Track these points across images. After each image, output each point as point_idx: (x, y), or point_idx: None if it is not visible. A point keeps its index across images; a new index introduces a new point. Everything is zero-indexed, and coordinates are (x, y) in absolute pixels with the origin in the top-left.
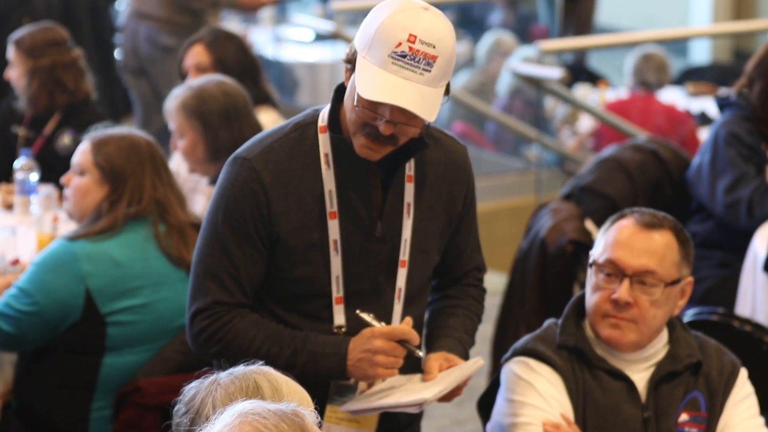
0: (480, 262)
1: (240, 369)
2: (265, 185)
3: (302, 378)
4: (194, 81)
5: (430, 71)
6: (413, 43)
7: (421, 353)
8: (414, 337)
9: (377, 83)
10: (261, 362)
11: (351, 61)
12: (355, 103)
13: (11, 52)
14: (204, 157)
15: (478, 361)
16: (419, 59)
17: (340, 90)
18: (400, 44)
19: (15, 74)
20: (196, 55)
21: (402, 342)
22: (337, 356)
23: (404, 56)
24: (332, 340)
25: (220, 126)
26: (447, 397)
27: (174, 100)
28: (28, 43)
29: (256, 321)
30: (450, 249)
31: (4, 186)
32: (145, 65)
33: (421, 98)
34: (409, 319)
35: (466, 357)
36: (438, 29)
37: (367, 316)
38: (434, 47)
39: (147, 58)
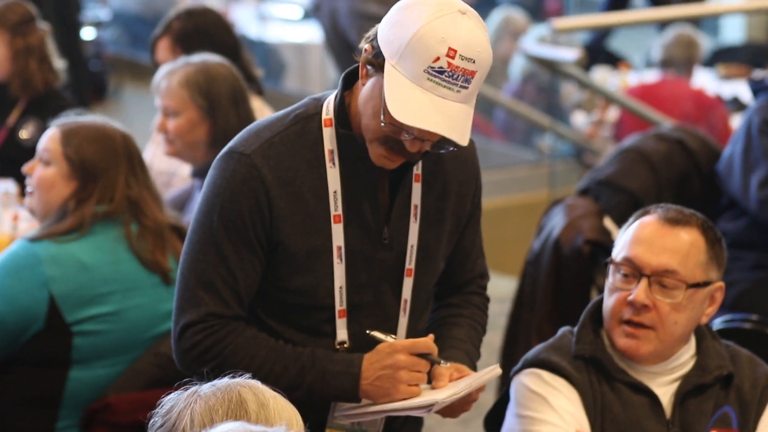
0: (484, 268)
1: (224, 381)
2: (266, 184)
3: (307, 400)
4: (192, 57)
5: (467, 88)
6: (453, 58)
7: (446, 364)
8: (435, 349)
9: (412, 104)
10: (248, 375)
11: (374, 64)
12: (381, 118)
13: None
14: (204, 140)
15: (496, 368)
16: (458, 76)
17: (349, 78)
18: (438, 59)
19: None
20: (164, 51)
21: (424, 356)
22: (349, 375)
23: (442, 72)
24: (342, 357)
25: (229, 108)
26: (454, 412)
27: (173, 74)
28: (12, 20)
29: (255, 336)
30: (455, 253)
31: None
32: (350, 39)
33: (456, 119)
34: (431, 336)
35: (474, 370)
36: (478, 40)
37: (379, 334)
38: (474, 62)
39: (350, 30)
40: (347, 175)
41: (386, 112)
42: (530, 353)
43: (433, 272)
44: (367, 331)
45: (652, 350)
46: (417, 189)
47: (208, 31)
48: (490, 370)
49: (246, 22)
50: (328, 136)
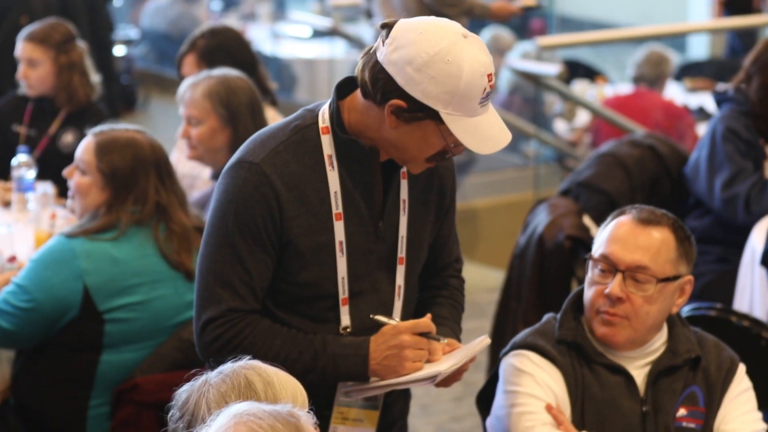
0: (459, 253)
1: (228, 366)
2: (276, 189)
3: (321, 382)
4: (213, 71)
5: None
6: (490, 80)
7: (443, 340)
8: (434, 328)
9: (482, 133)
10: (248, 357)
11: (414, 116)
12: (451, 150)
13: (31, 50)
14: (224, 146)
15: (485, 339)
16: (494, 89)
17: (341, 88)
18: (485, 89)
19: (42, 72)
20: (190, 66)
21: (424, 334)
22: (358, 357)
23: (488, 95)
24: (351, 341)
25: (247, 117)
26: (447, 382)
27: (196, 86)
28: (56, 39)
29: (270, 326)
30: (436, 241)
31: (1, 183)
32: None
33: (499, 118)
34: (429, 315)
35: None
36: (487, 51)
37: (383, 318)
38: (493, 69)
39: None
40: (345, 176)
41: (458, 144)
42: (518, 337)
43: (421, 259)
44: (371, 315)
45: (626, 338)
46: (404, 185)
47: (229, 48)
48: (480, 341)
49: (261, 40)
50: (327, 142)
